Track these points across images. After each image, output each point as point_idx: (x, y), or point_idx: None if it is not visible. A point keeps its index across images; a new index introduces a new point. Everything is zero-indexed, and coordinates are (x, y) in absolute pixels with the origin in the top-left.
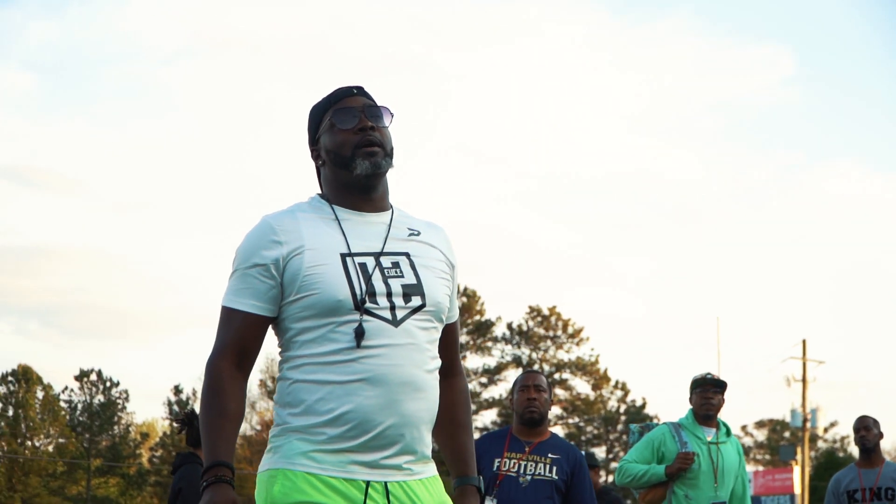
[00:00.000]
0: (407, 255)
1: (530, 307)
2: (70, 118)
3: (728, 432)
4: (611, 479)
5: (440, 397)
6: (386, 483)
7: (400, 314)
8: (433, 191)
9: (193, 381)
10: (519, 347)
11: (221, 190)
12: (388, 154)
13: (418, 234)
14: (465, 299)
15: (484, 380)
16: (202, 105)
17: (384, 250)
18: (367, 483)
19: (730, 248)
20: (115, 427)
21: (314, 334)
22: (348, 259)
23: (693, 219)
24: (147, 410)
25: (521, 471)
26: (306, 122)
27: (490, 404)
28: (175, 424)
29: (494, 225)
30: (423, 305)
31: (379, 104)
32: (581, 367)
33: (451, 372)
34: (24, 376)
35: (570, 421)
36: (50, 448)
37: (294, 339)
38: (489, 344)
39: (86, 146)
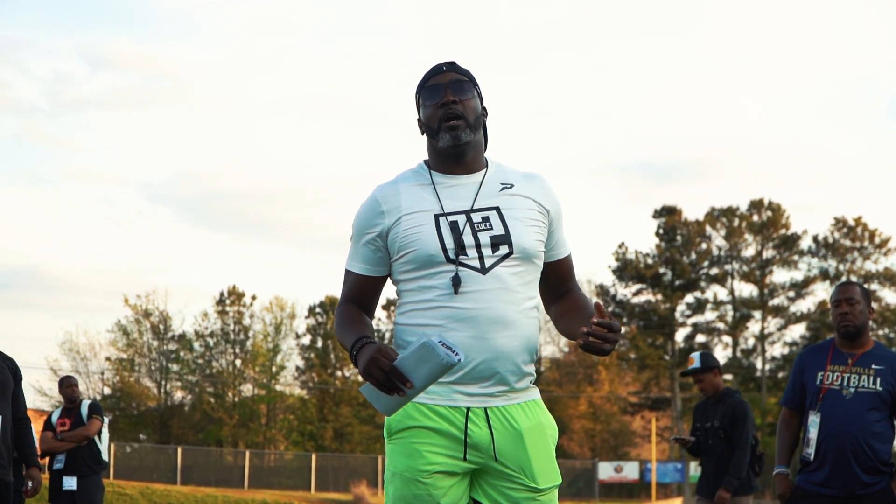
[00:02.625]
0: (497, 208)
1: (836, 218)
2: (358, 48)
3: None
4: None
5: (561, 307)
6: (486, 408)
7: (488, 262)
8: (720, 102)
9: None
10: (825, 260)
11: (507, 121)
12: (471, 125)
13: (511, 186)
14: (769, 213)
15: (791, 294)
16: (494, 30)
17: (474, 207)
18: (468, 409)
19: None
20: None
21: (415, 285)
22: (441, 218)
23: None
24: None
25: (845, 383)
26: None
27: (798, 318)
28: None
29: (795, 136)
30: (510, 253)
31: (467, 79)
32: (889, 278)
33: (568, 290)
34: (332, 307)
35: (880, 332)
36: (360, 378)
37: (401, 290)
38: (795, 258)
39: (375, 75)
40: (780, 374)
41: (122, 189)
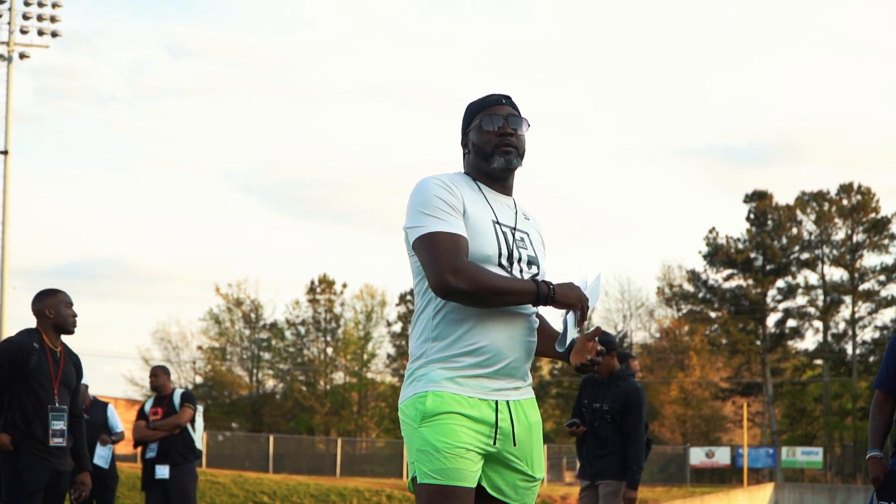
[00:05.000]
0: (528, 233)
1: None
2: (438, 34)
3: None
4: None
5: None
6: (508, 402)
7: (524, 276)
8: (806, 84)
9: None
10: None
11: (594, 106)
12: (521, 155)
13: (528, 219)
14: (859, 197)
15: (882, 278)
16: (572, 17)
17: (517, 227)
18: (496, 402)
19: None
20: None
21: None
22: (496, 225)
23: None
24: None
25: None
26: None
27: (889, 302)
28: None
29: (883, 118)
30: (537, 273)
31: (520, 115)
32: None
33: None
34: None
35: None
36: None
37: None
38: (885, 241)
39: (456, 62)
40: (871, 359)
41: (206, 178)
